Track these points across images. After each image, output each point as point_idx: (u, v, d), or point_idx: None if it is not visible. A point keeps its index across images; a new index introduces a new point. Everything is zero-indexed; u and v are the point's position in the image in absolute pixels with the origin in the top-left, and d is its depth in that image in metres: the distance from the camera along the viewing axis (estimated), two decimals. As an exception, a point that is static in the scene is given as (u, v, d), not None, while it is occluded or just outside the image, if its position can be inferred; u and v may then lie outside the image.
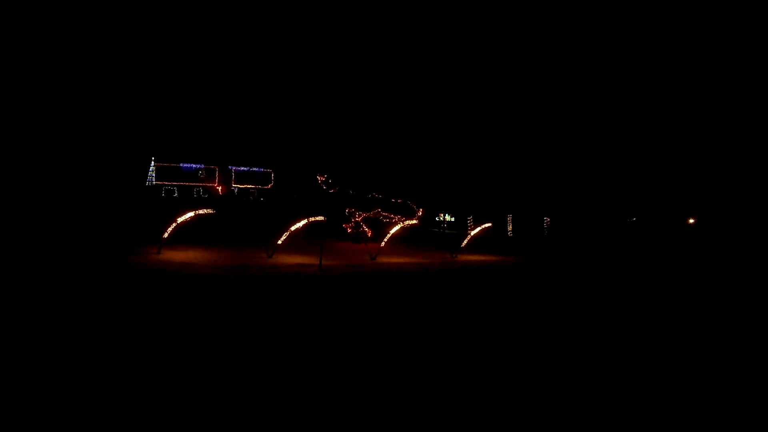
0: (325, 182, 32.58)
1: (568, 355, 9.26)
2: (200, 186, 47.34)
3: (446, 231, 46.00)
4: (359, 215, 33.62)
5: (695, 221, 53.02)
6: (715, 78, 54.67)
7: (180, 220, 22.26)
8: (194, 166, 47.24)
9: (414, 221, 31.27)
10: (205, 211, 23.22)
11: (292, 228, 23.34)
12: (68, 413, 5.76)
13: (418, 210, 34.17)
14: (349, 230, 33.53)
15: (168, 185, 45.87)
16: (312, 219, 23.54)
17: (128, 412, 5.89)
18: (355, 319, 11.24)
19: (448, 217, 50.42)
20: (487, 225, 31.74)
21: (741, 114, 54.32)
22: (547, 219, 47.04)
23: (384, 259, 23.90)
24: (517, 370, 8.21)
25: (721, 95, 54.74)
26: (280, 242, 22.99)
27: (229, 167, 48.22)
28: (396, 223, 28.88)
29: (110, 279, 14.53)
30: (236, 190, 48.22)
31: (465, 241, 30.19)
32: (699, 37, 52.97)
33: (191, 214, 22.40)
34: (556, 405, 6.86)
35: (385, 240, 26.08)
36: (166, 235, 21.92)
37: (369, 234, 32.59)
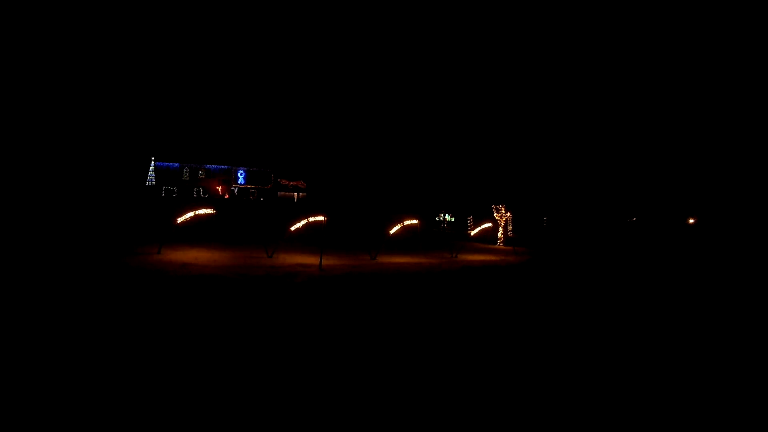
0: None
1: (569, 355, 9.27)
2: (200, 186, 47.33)
3: (446, 231, 45.99)
4: None
5: (695, 221, 52.98)
6: (715, 78, 54.67)
7: (180, 220, 22.27)
8: (194, 166, 47.23)
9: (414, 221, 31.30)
10: (205, 211, 23.21)
11: (292, 228, 23.38)
12: (67, 414, 5.76)
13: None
14: None
15: (168, 185, 45.85)
16: (312, 219, 23.53)
17: (127, 414, 5.90)
18: (356, 319, 11.25)
19: (448, 217, 50.46)
20: (486, 225, 32.31)
21: (741, 114, 54.31)
22: (546, 219, 47.09)
23: (384, 259, 23.91)
24: (520, 370, 8.22)
25: (721, 96, 54.73)
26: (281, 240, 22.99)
27: (230, 167, 48.20)
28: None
29: (110, 280, 14.53)
30: (236, 190, 48.22)
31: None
32: (699, 37, 52.95)
33: (191, 214, 22.37)
34: (557, 404, 6.87)
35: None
36: (166, 235, 21.92)
37: None
